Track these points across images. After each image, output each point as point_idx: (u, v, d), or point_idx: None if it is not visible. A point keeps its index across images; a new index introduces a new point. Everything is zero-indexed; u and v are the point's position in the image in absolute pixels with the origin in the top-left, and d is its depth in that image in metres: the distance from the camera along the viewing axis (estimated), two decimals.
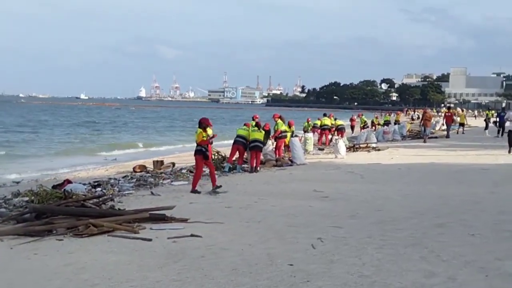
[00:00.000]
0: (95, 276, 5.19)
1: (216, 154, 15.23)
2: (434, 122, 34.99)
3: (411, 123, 39.54)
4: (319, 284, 4.81)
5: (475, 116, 62.71)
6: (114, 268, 5.46)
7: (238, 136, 14.75)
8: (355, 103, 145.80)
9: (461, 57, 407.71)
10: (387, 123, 33.15)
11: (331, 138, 23.85)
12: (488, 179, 11.62)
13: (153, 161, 16.06)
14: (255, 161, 14.49)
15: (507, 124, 26.96)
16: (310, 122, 25.66)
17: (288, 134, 17.53)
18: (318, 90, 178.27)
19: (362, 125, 31.14)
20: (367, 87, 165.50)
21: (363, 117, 32.43)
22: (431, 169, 13.79)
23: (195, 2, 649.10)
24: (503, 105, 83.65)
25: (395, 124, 32.87)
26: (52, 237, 6.84)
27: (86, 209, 7.76)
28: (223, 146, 19.76)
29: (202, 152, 10.84)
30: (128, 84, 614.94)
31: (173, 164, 15.97)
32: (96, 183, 11.69)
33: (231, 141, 15.40)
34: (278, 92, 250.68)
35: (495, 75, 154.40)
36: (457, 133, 30.00)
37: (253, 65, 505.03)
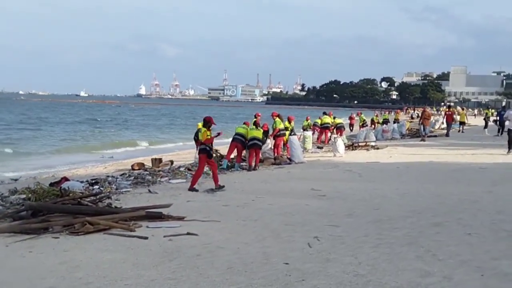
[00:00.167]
0: (90, 275, 5.17)
1: (215, 152, 15.21)
2: (433, 121, 34.97)
3: (411, 121, 39.50)
4: (314, 283, 4.80)
5: (474, 115, 62.69)
6: (109, 266, 5.44)
7: (236, 134, 14.78)
8: (355, 102, 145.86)
9: (462, 56, 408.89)
10: (385, 121, 33.14)
11: (330, 137, 23.84)
12: (486, 178, 11.60)
13: (152, 159, 16.07)
14: (253, 159, 14.48)
15: (506, 123, 26.93)
16: (309, 121, 25.66)
17: (287, 133, 17.53)
18: (318, 88, 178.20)
19: (361, 124, 31.11)
20: (367, 85, 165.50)
21: (362, 115, 32.40)
22: (430, 168, 13.76)
23: (195, 0, 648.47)
24: (503, 104, 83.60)
25: (394, 122, 32.86)
26: (48, 235, 6.82)
27: (82, 207, 7.75)
28: (222, 145, 19.73)
29: (206, 151, 10.82)
30: (128, 81, 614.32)
31: (172, 162, 15.98)
32: (93, 181, 11.66)
33: (230, 139, 15.38)
34: (278, 90, 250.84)
35: (495, 74, 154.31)
36: (459, 131, 29.96)
37: (253, 63, 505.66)
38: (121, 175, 13.22)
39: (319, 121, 25.39)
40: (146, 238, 6.54)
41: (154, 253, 5.93)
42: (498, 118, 27.81)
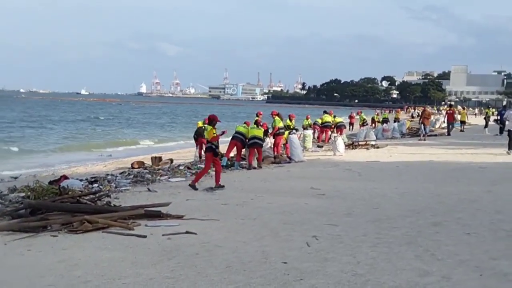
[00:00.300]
0: (88, 273, 5.17)
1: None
2: (434, 120, 34.94)
3: (411, 120, 39.46)
4: (312, 282, 4.79)
5: (475, 114, 62.65)
6: (108, 264, 5.44)
7: (236, 132, 14.78)
8: (356, 101, 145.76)
9: (462, 55, 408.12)
10: (385, 120, 33.13)
11: (330, 136, 23.82)
12: (486, 178, 11.59)
13: (151, 158, 16.07)
14: (253, 158, 14.49)
15: (507, 123, 26.90)
16: (309, 120, 25.64)
17: (286, 132, 17.52)
18: (319, 87, 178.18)
19: (361, 123, 31.10)
20: (367, 84, 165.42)
21: (362, 114, 32.38)
22: (429, 167, 13.75)
23: None
24: (504, 103, 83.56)
25: (394, 121, 32.84)
26: (46, 233, 6.82)
27: (81, 205, 7.75)
28: (222, 143, 19.67)
29: (212, 149, 10.83)
30: (129, 80, 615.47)
31: (171, 160, 15.98)
32: (93, 179, 11.66)
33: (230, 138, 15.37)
34: (279, 89, 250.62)
35: (496, 73, 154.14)
36: (460, 131, 29.93)
37: (254, 62, 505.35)
38: (120, 173, 13.22)
39: (319, 121, 25.39)
40: (144, 236, 6.53)
41: (152, 251, 5.93)
42: (498, 117, 27.79)
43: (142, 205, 8.15)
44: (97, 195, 8.87)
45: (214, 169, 11.13)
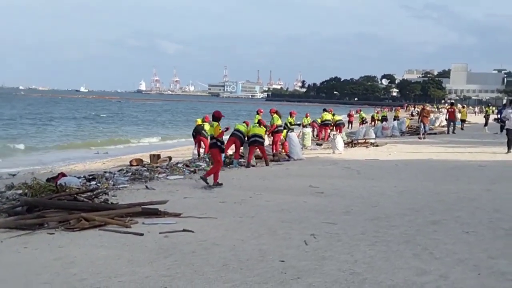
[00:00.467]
0: (84, 271, 5.14)
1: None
2: (433, 118, 34.90)
3: (411, 119, 39.44)
4: (310, 281, 4.76)
5: (475, 113, 62.59)
6: (104, 262, 5.41)
7: (236, 129, 14.75)
8: (356, 99, 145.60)
9: (463, 53, 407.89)
10: (384, 118, 33.11)
11: (329, 134, 23.79)
12: (485, 176, 11.56)
13: (150, 155, 16.01)
14: (253, 156, 14.47)
15: (506, 122, 26.88)
16: (309, 118, 25.60)
17: (285, 131, 17.50)
18: (319, 85, 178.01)
19: (360, 121, 31.09)
20: (367, 82, 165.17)
21: (362, 112, 32.36)
22: (429, 166, 13.72)
23: None
24: (504, 101, 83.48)
25: (394, 120, 32.80)
26: (43, 230, 6.79)
27: (78, 203, 7.71)
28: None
29: (218, 145, 10.84)
30: (128, 77, 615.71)
31: (170, 158, 15.93)
32: (91, 177, 11.61)
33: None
34: (279, 87, 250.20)
35: (496, 72, 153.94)
36: (461, 129, 29.88)
37: (254, 60, 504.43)
38: (118, 171, 13.18)
39: (319, 120, 25.36)
40: (141, 234, 6.50)
41: (149, 249, 5.90)
42: (499, 116, 27.76)
43: (139, 203, 8.11)
44: (94, 192, 8.84)
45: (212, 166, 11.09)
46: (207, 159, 14.68)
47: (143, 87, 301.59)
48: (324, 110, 26.27)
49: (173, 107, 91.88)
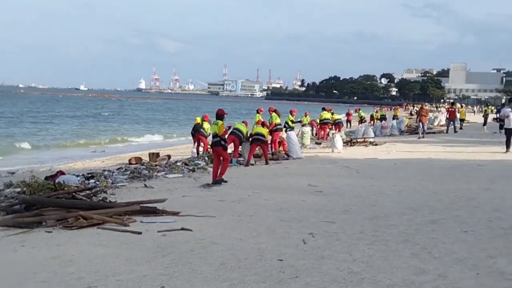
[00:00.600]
0: (82, 269, 5.12)
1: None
2: (432, 117, 34.89)
3: (410, 118, 39.45)
4: (308, 280, 4.74)
5: (474, 112, 62.58)
6: (102, 261, 5.39)
7: (235, 128, 14.74)
8: (355, 98, 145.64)
9: (462, 53, 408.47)
10: (383, 117, 33.11)
11: (329, 133, 23.79)
12: (483, 176, 11.55)
13: (149, 153, 16.00)
14: (253, 154, 14.48)
15: (506, 121, 26.88)
16: (308, 116, 25.59)
17: (283, 130, 17.50)
18: (318, 84, 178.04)
19: (359, 120, 31.08)
20: (366, 81, 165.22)
21: (361, 111, 32.36)
22: (428, 165, 13.71)
23: None
24: (503, 101, 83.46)
25: (393, 119, 32.80)
26: (41, 229, 6.78)
27: (76, 201, 7.70)
28: None
29: (221, 144, 10.84)
30: (128, 76, 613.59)
31: (169, 156, 15.93)
32: (89, 175, 11.61)
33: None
34: (278, 85, 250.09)
35: (495, 71, 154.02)
36: (460, 128, 29.88)
37: (253, 59, 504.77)
38: (117, 169, 13.17)
39: (318, 119, 25.35)
40: (139, 233, 6.49)
41: (147, 248, 5.88)
42: (498, 115, 27.75)
43: (138, 201, 8.11)
44: (93, 190, 8.83)
45: (211, 165, 11.08)
46: (206, 158, 14.67)
47: (142, 85, 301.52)
48: (323, 109, 26.26)
49: (174, 106, 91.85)
